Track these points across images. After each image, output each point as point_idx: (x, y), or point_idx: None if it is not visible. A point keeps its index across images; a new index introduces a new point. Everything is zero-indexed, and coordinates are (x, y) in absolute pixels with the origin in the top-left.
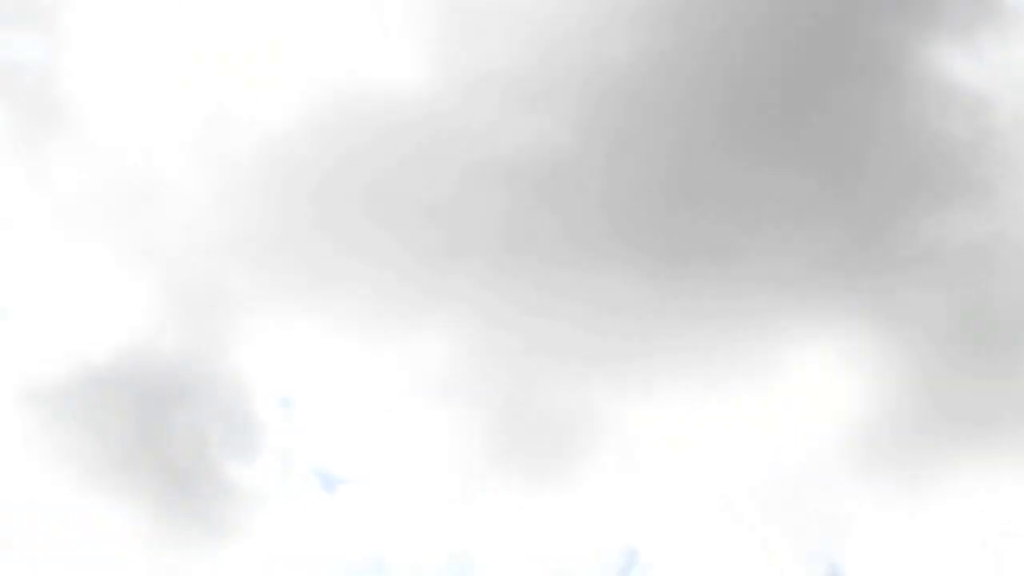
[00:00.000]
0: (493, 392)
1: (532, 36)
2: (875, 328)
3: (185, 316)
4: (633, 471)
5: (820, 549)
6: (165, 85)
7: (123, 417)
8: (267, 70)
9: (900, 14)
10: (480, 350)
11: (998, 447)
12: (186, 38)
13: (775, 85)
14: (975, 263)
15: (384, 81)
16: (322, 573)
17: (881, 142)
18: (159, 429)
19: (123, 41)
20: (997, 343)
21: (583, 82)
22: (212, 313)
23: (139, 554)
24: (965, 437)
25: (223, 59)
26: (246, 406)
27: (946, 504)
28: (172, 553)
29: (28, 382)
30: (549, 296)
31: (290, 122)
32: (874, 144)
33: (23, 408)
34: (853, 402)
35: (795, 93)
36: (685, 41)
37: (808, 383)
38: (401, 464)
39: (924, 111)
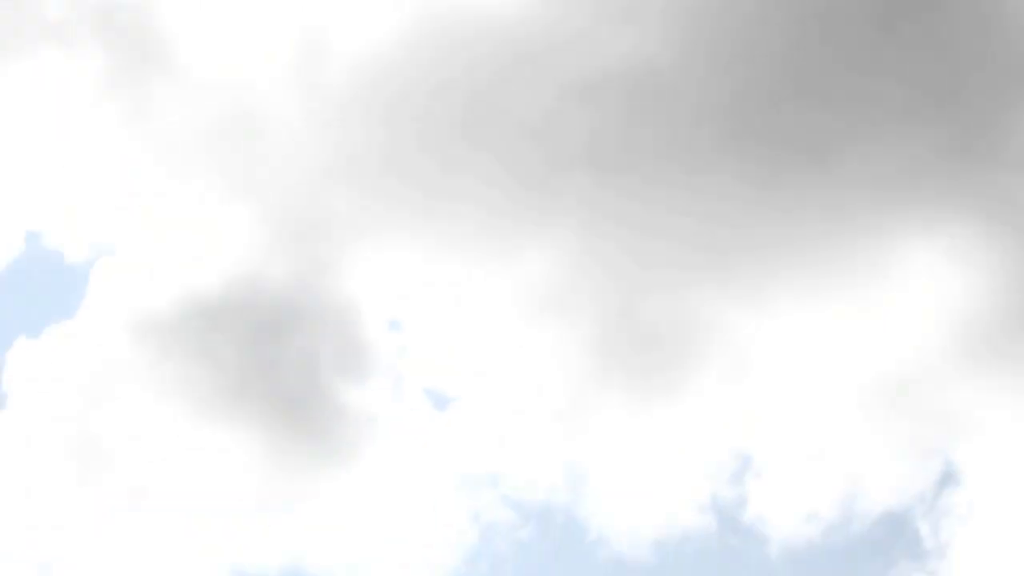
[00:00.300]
0: (599, 306)
1: None
2: (981, 225)
3: (292, 244)
4: (743, 377)
5: (936, 447)
6: (260, 17)
7: (234, 346)
8: None
9: None
10: (584, 264)
11: None
12: None
13: None
14: None
15: (476, 1)
16: (437, 489)
17: (984, 39)
18: (270, 356)
19: None
20: None
21: None
22: (318, 240)
23: (255, 480)
24: None
25: None
26: (356, 330)
27: None
28: (288, 478)
29: (139, 316)
30: (650, 208)
31: (385, 47)
32: (976, 41)
33: (135, 342)
34: (961, 299)
35: None
36: None
37: (916, 282)
38: (511, 380)
39: None
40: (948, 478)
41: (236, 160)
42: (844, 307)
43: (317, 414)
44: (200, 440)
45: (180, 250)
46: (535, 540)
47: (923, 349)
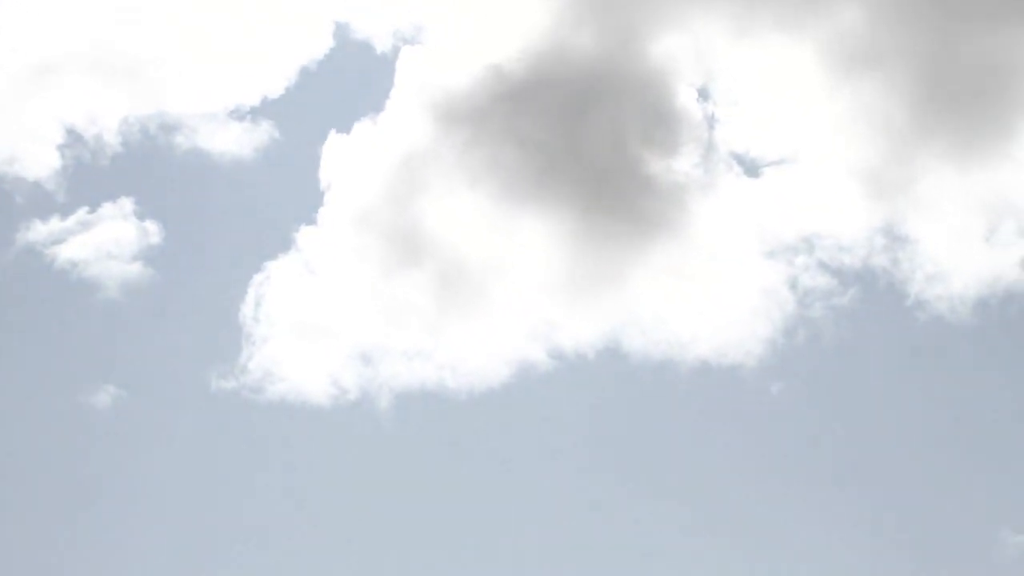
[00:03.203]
0: (912, 56)
1: None
2: None
3: (596, 15)
4: None
5: None
6: None
7: (541, 126)
8: None
9: None
10: (895, 13)
11: None
12: None
13: None
14: None
15: None
16: (751, 258)
17: None
18: (578, 132)
19: None
20: None
21: None
22: (623, 9)
23: (567, 258)
24: None
25: None
26: (664, 101)
27: None
28: (598, 254)
29: (446, 103)
30: None
31: None
32: None
33: (443, 129)
34: None
35: None
36: None
37: None
38: (823, 142)
39: None
40: None
41: None
42: None
43: (627, 188)
44: (511, 221)
45: (483, 31)
46: (854, 306)
47: None
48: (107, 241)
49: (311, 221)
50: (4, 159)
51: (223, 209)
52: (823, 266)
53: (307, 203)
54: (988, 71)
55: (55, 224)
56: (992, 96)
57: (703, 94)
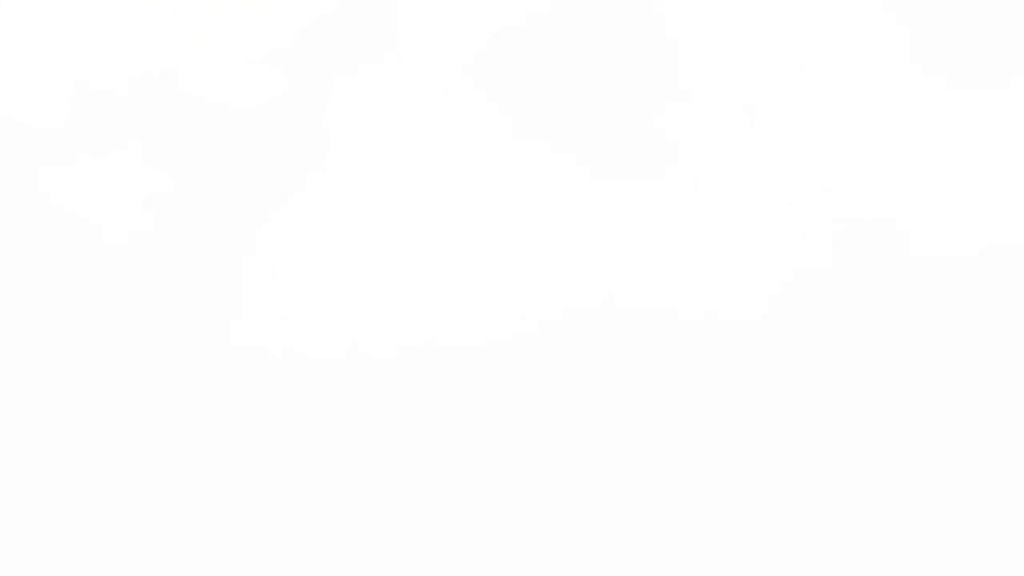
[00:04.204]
0: None
1: None
2: None
3: None
4: None
5: None
6: None
7: (540, 73)
8: None
9: None
10: None
11: None
12: None
13: None
14: None
15: None
16: (752, 205)
17: None
18: (579, 77)
19: None
20: None
21: None
22: None
23: (567, 202)
24: None
25: None
26: (664, 43)
27: None
28: (599, 201)
29: (453, 44)
30: None
31: None
32: None
33: (451, 71)
34: None
35: None
36: None
37: None
38: (824, 81)
39: None
40: None
41: None
42: None
43: (627, 135)
44: (512, 168)
45: None
46: (860, 253)
47: None
48: (114, 188)
49: (319, 169)
50: (10, 106)
51: (230, 156)
52: (828, 213)
53: (314, 151)
54: (995, 11)
55: (62, 171)
56: (999, 37)
57: (704, 36)
